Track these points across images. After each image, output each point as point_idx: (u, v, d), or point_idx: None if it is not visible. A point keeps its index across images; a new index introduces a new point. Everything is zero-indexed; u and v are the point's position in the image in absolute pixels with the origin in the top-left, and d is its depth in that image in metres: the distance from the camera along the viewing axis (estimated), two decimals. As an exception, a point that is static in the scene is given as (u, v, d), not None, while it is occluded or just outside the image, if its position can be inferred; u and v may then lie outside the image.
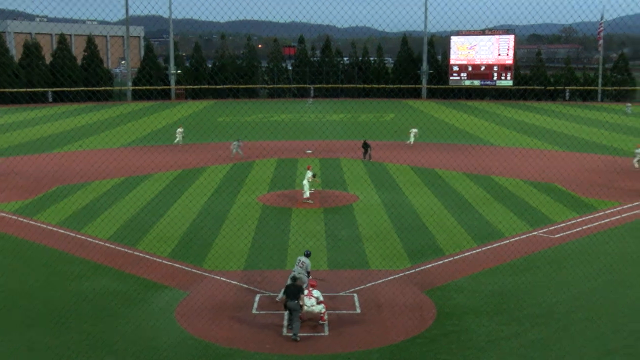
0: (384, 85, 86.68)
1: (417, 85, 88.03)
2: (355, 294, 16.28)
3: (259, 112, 64.53)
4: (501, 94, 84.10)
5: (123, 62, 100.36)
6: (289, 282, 14.55)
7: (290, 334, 13.72)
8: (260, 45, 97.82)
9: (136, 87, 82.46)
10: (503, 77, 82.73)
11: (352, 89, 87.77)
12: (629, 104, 70.43)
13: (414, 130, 42.23)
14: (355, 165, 35.03)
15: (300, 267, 15.67)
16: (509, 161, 32.45)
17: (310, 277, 15.90)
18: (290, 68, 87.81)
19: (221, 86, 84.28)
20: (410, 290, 16.67)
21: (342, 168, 34.37)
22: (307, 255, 16.13)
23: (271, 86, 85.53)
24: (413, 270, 18.19)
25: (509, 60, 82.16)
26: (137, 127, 48.88)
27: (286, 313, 14.35)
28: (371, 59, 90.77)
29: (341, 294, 16.29)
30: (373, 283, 17.07)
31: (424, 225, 23.08)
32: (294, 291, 13.96)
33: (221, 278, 17.24)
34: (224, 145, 41.16)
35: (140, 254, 19.23)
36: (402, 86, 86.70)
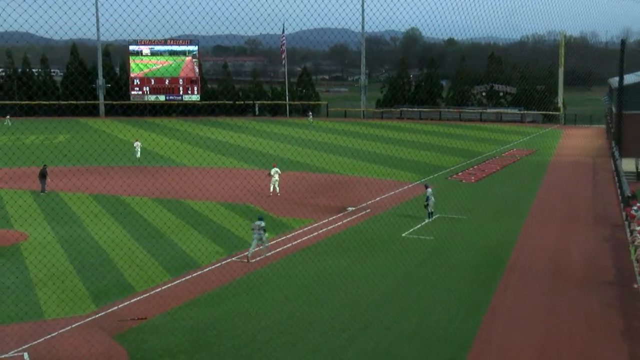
0: (54, 102, 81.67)
1: (93, 102, 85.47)
2: (25, 353, 15.26)
3: None
4: (190, 110, 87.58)
5: None
6: None
7: None
8: None
9: None
10: (190, 92, 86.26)
11: (13, 105, 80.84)
12: (310, 114, 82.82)
13: (137, 143, 45.77)
14: (21, 197, 32.66)
15: None
16: (201, 183, 33.92)
17: None
18: None
19: None
20: (97, 337, 16.13)
21: (3, 200, 32.02)
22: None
23: None
24: (99, 314, 17.71)
25: (194, 73, 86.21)
26: None
27: None
28: (34, 70, 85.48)
29: (8, 354, 14.97)
30: (50, 335, 16.21)
31: (110, 261, 22.57)
32: None
33: None
34: None
35: None
36: (75, 102, 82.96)
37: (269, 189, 34.33)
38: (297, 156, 45.20)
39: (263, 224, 23.33)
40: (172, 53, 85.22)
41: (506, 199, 34.35)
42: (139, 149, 48.33)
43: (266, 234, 23.54)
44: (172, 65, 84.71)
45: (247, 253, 23.12)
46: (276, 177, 34.16)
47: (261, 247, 23.78)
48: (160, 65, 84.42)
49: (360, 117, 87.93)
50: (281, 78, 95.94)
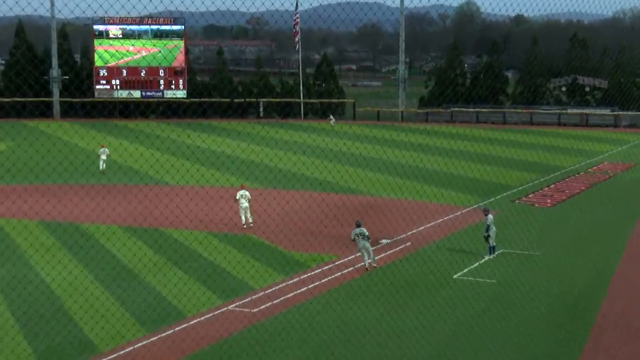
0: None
1: (45, 99, 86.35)
2: None
3: None
4: (174, 111, 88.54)
5: None
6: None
7: None
8: None
9: None
10: (173, 86, 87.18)
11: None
12: (332, 118, 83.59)
13: (104, 149, 49.71)
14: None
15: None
16: (188, 206, 34.11)
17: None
18: None
19: None
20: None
21: None
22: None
23: None
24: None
25: (179, 62, 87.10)
26: None
27: None
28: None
29: None
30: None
31: (66, 311, 22.69)
32: None
33: None
34: None
35: None
36: (22, 99, 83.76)
37: (241, 219, 34.60)
38: (315, 171, 45.35)
39: (366, 231, 27.71)
40: (152, 35, 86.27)
41: (594, 229, 34.11)
42: (105, 157, 49.34)
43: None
44: (153, 54, 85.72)
45: (364, 264, 27.74)
46: (245, 203, 34.54)
47: (369, 259, 27.87)
48: (136, 51, 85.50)
49: (398, 120, 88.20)
50: (294, 68, 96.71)
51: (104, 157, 50.28)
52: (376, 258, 28.60)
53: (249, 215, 34.62)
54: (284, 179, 42.98)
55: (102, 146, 51.53)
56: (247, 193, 34.86)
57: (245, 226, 34.22)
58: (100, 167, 49.79)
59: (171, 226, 33.64)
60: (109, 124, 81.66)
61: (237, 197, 34.71)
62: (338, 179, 42.72)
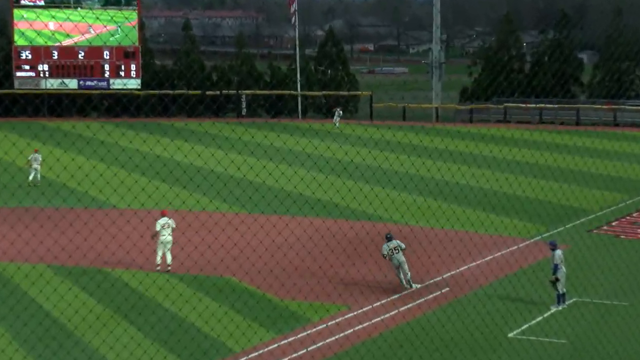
0: None
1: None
2: None
3: None
4: (124, 107, 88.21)
5: None
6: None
7: None
8: None
9: None
10: (123, 74, 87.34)
11: None
12: (337, 116, 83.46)
13: (36, 155, 52.26)
14: None
15: None
16: (144, 239, 34.12)
17: None
18: None
19: None
20: None
21: None
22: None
23: None
24: None
25: (131, 41, 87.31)
26: None
27: None
28: None
29: None
30: None
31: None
32: None
33: None
34: None
35: None
36: None
37: (157, 258, 34.73)
38: (317, 190, 45.26)
39: (402, 244, 31.73)
40: (93, 3, 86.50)
41: None
42: (37, 166, 50.24)
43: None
44: (100, 33, 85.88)
45: (405, 284, 31.50)
46: (167, 236, 34.73)
47: (407, 276, 31.66)
48: (71, 26, 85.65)
49: (431, 120, 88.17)
50: (288, 49, 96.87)
51: (36, 165, 50.83)
52: (401, 309, 28.60)
53: (168, 255, 34.50)
54: (275, 200, 43.00)
55: (36, 150, 52.09)
56: (170, 222, 34.84)
57: (159, 268, 34.16)
58: (31, 178, 50.05)
59: (120, 266, 33.57)
60: (35, 125, 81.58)
61: (158, 228, 34.45)
62: (348, 200, 42.69)
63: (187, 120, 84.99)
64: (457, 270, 33.45)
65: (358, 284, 31.30)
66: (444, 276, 32.82)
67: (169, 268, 34.34)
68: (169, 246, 34.51)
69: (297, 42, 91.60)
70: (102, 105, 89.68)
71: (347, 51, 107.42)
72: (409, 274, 31.48)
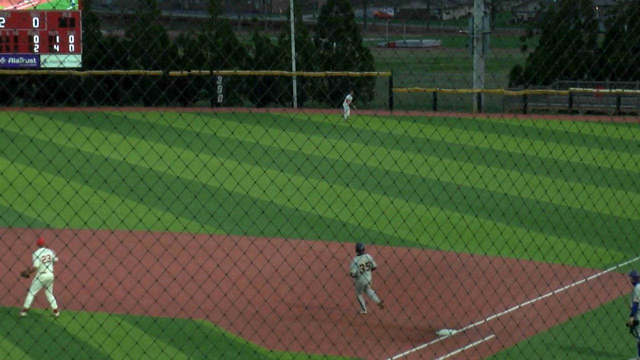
0: None
1: None
2: None
3: None
4: (61, 93, 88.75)
5: None
6: None
7: None
8: None
9: None
10: (58, 48, 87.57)
11: None
12: (348, 104, 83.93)
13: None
14: None
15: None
16: (80, 265, 34.43)
17: None
18: None
19: None
20: None
21: None
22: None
23: None
24: None
25: (70, 6, 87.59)
26: None
27: None
28: None
29: None
30: None
31: None
32: None
33: None
34: None
35: None
36: None
37: (27, 299, 35.41)
38: (319, 205, 45.55)
39: (372, 260, 35.25)
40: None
41: None
42: None
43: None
44: None
45: (375, 305, 34.37)
46: (49, 273, 35.43)
47: (374, 296, 34.82)
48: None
49: (471, 110, 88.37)
50: (280, 15, 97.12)
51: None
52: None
53: (50, 296, 34.96)
54: (262, 217, 43.33)
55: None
56: (51, 253, 35.36)
57: (24, 314, 34.83)
58: None
59: (59, 307, 33.82)
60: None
61: (37, 264, 34.93)
62: (360, 217, 42.94)
63: (145, 110, 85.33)
64: (506, 312, 33.68)
65: (373, 329, 31.55)
66: (488, 319, 33.03)
67: (57, 314, 34.79)
68: (50, 285, 34.92)
69: (292, 6, 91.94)
70: (30, 91, 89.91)
71: (359, 18, 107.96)
72: (375, 292, 35.11)
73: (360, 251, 34.88)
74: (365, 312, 33.95)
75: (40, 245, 35.73)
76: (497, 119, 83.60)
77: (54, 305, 34.79)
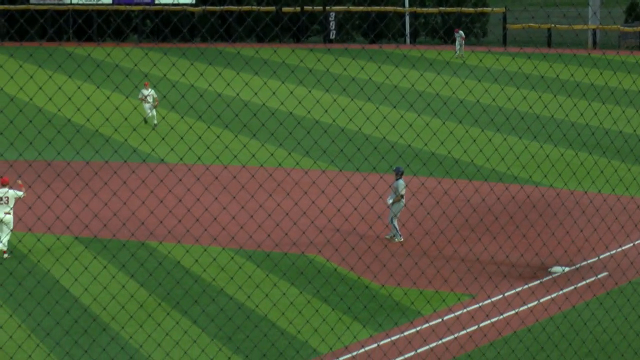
0: None
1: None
2: None
3: None
4: (175, 29, 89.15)
5: None
6: None
7: None
8: None
9: None
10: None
11: None
12: (462, 33, 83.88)
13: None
14: None
15: None
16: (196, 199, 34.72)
17: None
18: None
19: None
20: None
21: None
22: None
23: None
24: None
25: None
26: None
27: None
28: None
29: None
30: None
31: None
32: None
33: None
34: None
35: None
36: None
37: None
38: (431, 142, 45.39)
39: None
40: None
41: None
42: (149, 104, 56.59)
43: None
44: None
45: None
46: (5, 215, 35.06)
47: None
48: None
49: (586, 47, 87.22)
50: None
51: (149, 102, 56.12)
52: (543, 300, 28.63)
53: (5, 239, 34.84)
54: (375, 153, 43.17)
55: (146, 85, 56.18)
56: (11, 193, 35.07)
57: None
58: (149, 114, 55.21)
59: (170, 238, 34.00)
60: (58, 51, 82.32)
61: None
62: (472, 154, 42.62)
63: (258, 47, 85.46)
64: (619, 249, 33.32)
65: (485, 266, 31.43)
66: (601, 257, 32.70)
67: (6, 255, 34.73)
68: (6, 228, 34.82)
69: None
70: (144, 26, 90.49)
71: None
72: None
73: (400, 174, 35.79)
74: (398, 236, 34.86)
75: (4, 184, 35.28)
76: (613, 55, 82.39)
77: (4, 247, 34.60)
